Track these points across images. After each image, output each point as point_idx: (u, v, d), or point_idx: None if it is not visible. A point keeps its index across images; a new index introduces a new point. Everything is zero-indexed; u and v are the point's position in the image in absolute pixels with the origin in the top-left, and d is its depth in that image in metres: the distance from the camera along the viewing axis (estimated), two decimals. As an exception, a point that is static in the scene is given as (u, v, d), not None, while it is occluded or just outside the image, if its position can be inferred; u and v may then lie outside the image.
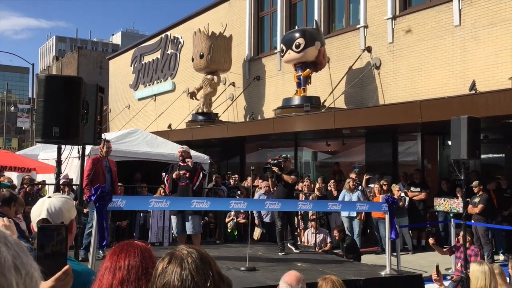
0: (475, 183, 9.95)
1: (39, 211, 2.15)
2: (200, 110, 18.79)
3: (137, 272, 1.76)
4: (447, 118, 7.28)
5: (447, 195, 10.63)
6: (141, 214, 10.25)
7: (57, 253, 1.63)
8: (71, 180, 10.32)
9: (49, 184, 10.48)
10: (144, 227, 10.36)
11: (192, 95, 19.47)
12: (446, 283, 6.36)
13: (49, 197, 2.30)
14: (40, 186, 11.26)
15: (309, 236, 10.82)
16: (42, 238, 1.63)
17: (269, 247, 9.38)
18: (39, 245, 1.62)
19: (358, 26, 14.47)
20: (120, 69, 29.78)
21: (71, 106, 4.77)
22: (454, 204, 9.77)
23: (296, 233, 10.10)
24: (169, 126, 21.17)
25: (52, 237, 1.63)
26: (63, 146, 5.09)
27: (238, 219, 11.17)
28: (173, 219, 8.16)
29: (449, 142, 8.29)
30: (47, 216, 2.10)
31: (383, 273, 7.12)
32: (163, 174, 8.21)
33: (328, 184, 12.01)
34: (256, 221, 10.94)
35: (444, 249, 8.07)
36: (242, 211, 10.46)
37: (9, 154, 14.74)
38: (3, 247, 0.57)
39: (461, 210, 9.39)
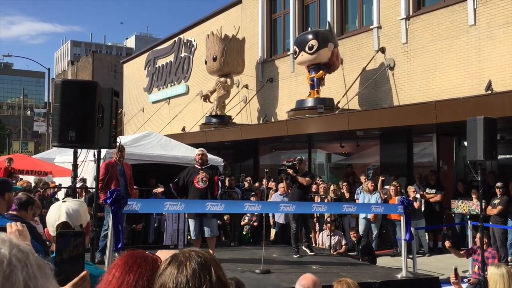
0: (499, 184, 9.81)
1: (57, 215, 2.17)
2: (213, 113, 18.84)
3: None
4: (463, 119, 7.21)
5: (464, 196, 10.51)
6: (156, 217, 10.30)
7: (74, 258, 1.65)
8: (85, 180, 10.34)
9: (65, 188, 10.59)
10: (159, 230, 10.40)
11: (206, 97, 19.54)
12: (464, 285, 6.28)
13: (64, 201, 2.33)
14: (56, 189, 11.39)
15: (324, 238, 10.78)
16: (60, 243, 1.64)
17: (284, 250, 9.36)
18: (57, 250, 1.64)
19: (371, 27, 14.39)
20: (134, 73, 30.01)
21: (87, 110, 4.82)
22: (472, 206, 9.65)
23: (310, 235, 10.07)
24: (183, 129, 21.26)
25: (70, 243, 1.64)
26: (79, 150, 5.15)
27: (252, 222, 11.19)
28: (191, 222, 8.05)
29: (465, 143, 8.19)
30: (67, 219, 2.12)
31: (399, 276, 7.06)
32: (171, 185, 8.17)
33: (341, 187, 11.96)
34: (271, 221, 10.96)
35: (461, 252, 7.97)
36: (254, 213, 10.48)
37: (26, 158, 14.95)
38: (19, 268, 0.56)
39: (478, 211, 9.30)
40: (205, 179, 7.77)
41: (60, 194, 10.82)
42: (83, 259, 1.70)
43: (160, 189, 8.37)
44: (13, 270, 0.56)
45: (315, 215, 10.99)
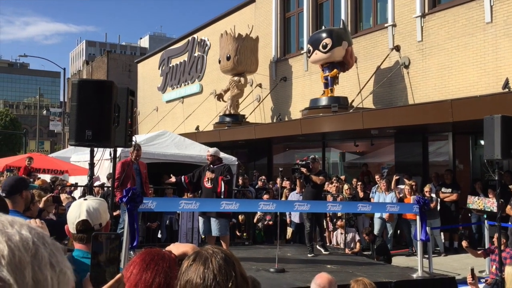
0: None
1: (77, 212, 2.19)
2: (227, 112, 18.87)
3: None
4: (480, 117, 7.12)
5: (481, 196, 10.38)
6: (167, 215, 10.34)
7: (109, 261, 1.65)
8: (97, 177, 10.42)
9: (81, 186, 10.69)
10: (171, 229, 10.45)
11: (219, 97, 19.58)
12: (481, 286, 6.21)
13: (85, 199, 2.36)
14: (72, 188, 11.50)
15: (338, 237, 10.75)
16: (95, 246, 1.65)
17: (298, 249, 9.35)
18: (92, 253, 1.65)
19: (386, 25, 14.29)
20: (148, 72, 30.19)
21: (103, 109, 4.86)
22: (488, 203, 9.53)
23: (324, 235, 10.05)
24: (197, 128, 21.34)
25: (105, 245, 1.65)
26: (95, 149, 5.19)
27: (266, 222, 11.20)
28: (200, 220, 8.25)
29: (482, 142, 8.11)
30: (87, 217, 2.14)
31: (415, 276, 7.01)
32: (183, 177, 8.25)
33: (355, 185, 11.91)
34: (288, 220, 10.97)
35: (478, 252, 7.88)
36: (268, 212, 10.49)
37: (42, 157, 15.12)
38: (41, 246, 0.62)
39: (495, 209, 9.17)
40: (211, 178, 7.88)
41: (77, 193, 10.93)
42: (118, 262, 1.71)
43: (172, 179, 8.39)
44: (37, 248, 0.62)
45: (328, 214, 10.96)
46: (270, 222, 11.07)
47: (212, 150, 8.44)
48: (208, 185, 7.94)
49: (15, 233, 0.61)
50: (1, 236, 0.59)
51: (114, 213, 7.67)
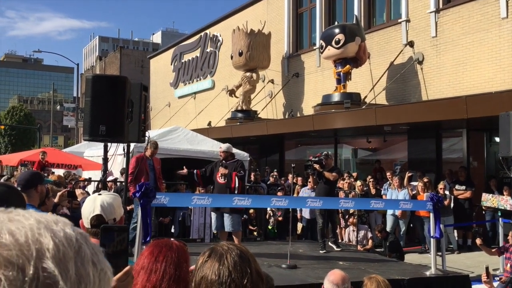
0: None
1: (92, 207, 2.20)
2: (239, 108, 18.87)
3: (169, 280, 1.76)
4: (495, 114, 7.04)
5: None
6: (181, 211, 10.40)
7: (118, 253, 1.66)
8: (110, 172, 10.49)
9: (95, 181, 10.78)
10: (183, 224, 10.50)
11: (231, 92, 19.58)
12: (495, 284, 6.15)
13: (99, 194, 2.37)
14: (86, 182, 11.60)
15: (350, 234, 10.71)
16: (104, 238, 1.66)
17: (310, 245, 9.33)
18: (101, 245, 1.66)
19: (399, 21, 14.16)
20: (161, 68, 30.29)
21: (117, 105, 4.89)
22: (502, 201, 9.42)
23: (336, 231, 10.01)
24: (209, 124, 21.37)
25: (113, 238, 1.66)
26: (109, 144, 5.22)
27: (277, 217, 11.19)
28: (213, 216, 8.27)
29: (497, 139, 8.01)
30: (101, 212, 2.15)
31: (428, 273, 6.95)
32: (195, 170, 8.26)
33: (367, 182, 11.84)
34: (298, 216, 10.95)
35: (493, 250, 7.79)
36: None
37: (57, 152, 15.27)
38: (84, 244, 0.65)
39: (508, 207, 9.07)
40: (225, 174, 7.88)
41: (90, 188, 11.02)
42: (127, 254, 1.72)
43: (183, 171, 8.38)
44: (81, 246, 0.64)
45: (340, 211, 10.93)
46: (279, 218, 11.07)
47: (224, 146, 8.44)
48: (221, 180, 7.94)
49: (60, 230, 0.64)
50: (46, 231, 0.62)
51: (128, 208, 7.73)
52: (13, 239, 0.59)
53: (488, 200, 9.85)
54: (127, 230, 1.73)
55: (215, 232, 8.69)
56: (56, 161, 12.92)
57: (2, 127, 47.70)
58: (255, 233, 11.14)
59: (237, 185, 7.83)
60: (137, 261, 1.84)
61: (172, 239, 1.97)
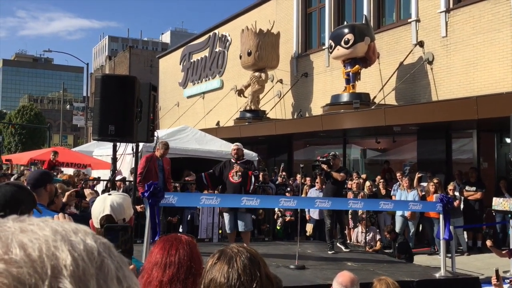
0: None
1: (102, 207, 2.20)
2: (248, 108, 18.87)
3: (186, 271, 1.75)
4: (506, 115, 6.97)
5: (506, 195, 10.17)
6: (189, 210, 10.42)
7: (122, 253, 1.66)
8: (119, 172, 10.52)
9: (104, 180, 10.82)
10: (192, 223, 10.52)
11: (240, 92, 19.58)
12: (505, 286, 6.09)
13: (109, 194, 2.37)
14: (95, 182, 11.65)
15: (359, 235, 10.66)
16: (108, 238, 1.66)
17: (318, 246, 9.31)
18: None
19: (409, 20, 14.08)
20: (170, 68, 30.37)
21: (126, 104, 4.90)
22: (513, 204, 9.32)
23: (344, 232, 9.97)
24: (217, 124, 21.38)
25: (118, 238, 1.66)
26: (118, 144, 5.23)
27: (286, 218, 11.16)
28: (226, 216, 8.19)
29: (507, 140, 7.94)
30: (111, 212, 2.15)
31: (437, 275, 6.91)
32: (203, 174, 8.23)
33: (377, 183, 11.78)
34: (307, 216, 10.92)
35: (503, 251, 7.72)
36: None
37: (66, 151, 15.36)
38: (107, 257, 0.56)
39: (519, 211, 8.97)
40: (239, 173, 7.83)
41: (99, 187, 11.07)
42: (131, 253, 1.71)
43: (191, 177, 8.41)
44: (103, 260, 0.55)
45: (349, 212, 10.89)
46: (287, 218, 11.05)
47: (237, 144, 8.44)
48: (234, 179, 7.88)
49: (80, 241, 0.55)
50: (64, 244, 0.53)
51: (138, 208, 7.75)
52: (25, 254, 0.51)
53: (499, 204, 9.76)
54: (131, 229, 1.72)
55: (229, 232, 8.60)
56: (65, 160, 13.00)
57: (13, 127, 48.09)
58: (266, 229, 11.09)
59: (252, 186, 7.83)
60: (148, 258, 1.83)
61: (179, 234, 1.96)
